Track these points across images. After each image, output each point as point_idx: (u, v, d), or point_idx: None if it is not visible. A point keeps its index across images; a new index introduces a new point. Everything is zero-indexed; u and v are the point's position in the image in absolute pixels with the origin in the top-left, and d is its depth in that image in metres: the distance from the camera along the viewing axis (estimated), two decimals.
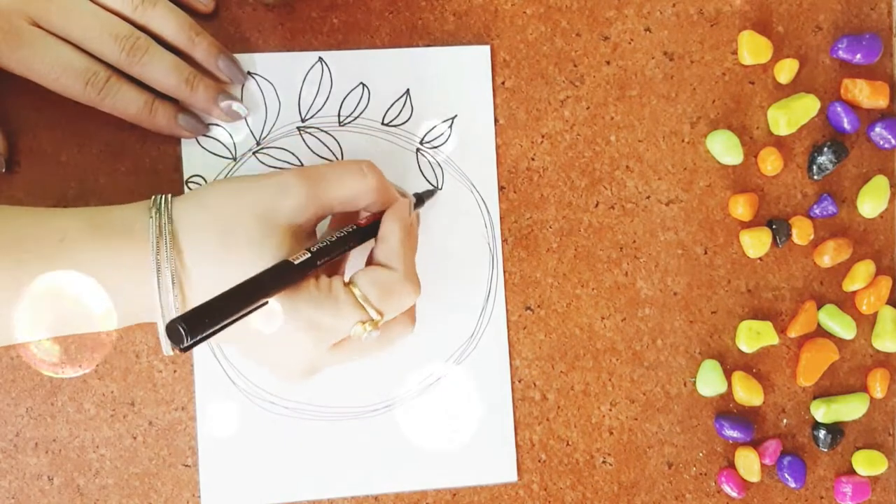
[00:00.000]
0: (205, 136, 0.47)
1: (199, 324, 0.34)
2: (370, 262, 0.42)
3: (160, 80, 0.44)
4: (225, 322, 0.35)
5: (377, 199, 0.42)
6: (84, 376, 0.47)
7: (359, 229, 0.42)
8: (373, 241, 0.43)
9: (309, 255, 0.39)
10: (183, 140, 0.47)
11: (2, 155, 0.45)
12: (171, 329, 0.33)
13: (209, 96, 0.46)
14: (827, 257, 0.52)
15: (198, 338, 0.34)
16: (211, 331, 0.34)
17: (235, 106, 0.46)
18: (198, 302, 0.35)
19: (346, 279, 0.40)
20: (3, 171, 0.46)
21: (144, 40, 0.43)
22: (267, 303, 0.37)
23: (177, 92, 0.45)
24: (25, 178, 0.47)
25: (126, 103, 0.44)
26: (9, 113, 0.46)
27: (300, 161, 0.48)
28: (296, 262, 0.38)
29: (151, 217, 0.39)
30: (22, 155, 0.47)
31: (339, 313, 0.39)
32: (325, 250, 0.40)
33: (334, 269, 0.44)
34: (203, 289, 0.38)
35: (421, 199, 0.47)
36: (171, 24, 0.44)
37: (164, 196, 0.40)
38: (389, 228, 0.42)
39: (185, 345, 0.34)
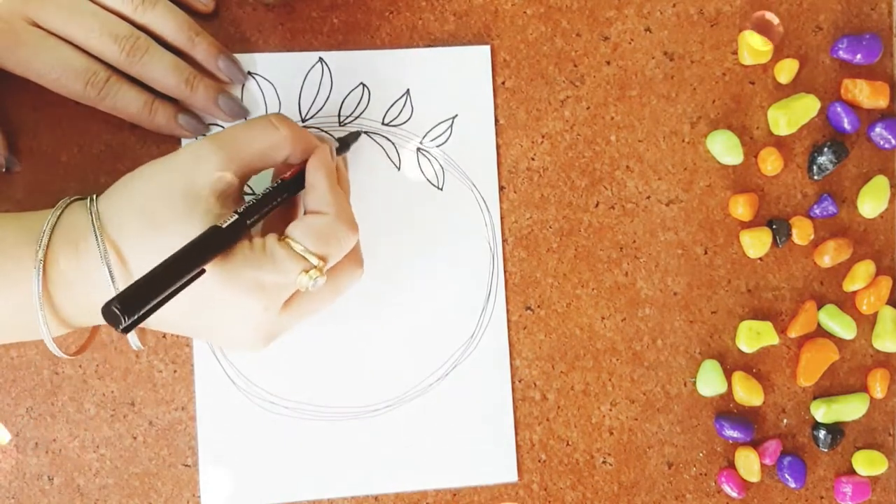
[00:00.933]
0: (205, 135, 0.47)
1: (133, 303, 0.34)
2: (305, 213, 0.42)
3: (160, 80, 0.44)
4: (161, 297, 0.35)
5: (294, 148, 0.41)
6: (84, 376, 0.47)
7: (284, 182, 0.42)
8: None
9: (237, 216, 0.38)
10: (183, 140, 0.47)
11: (1, 154, 0.45)
12: (107, 311, 0.33)
13: (209, 96, 0.46)
14: (827, 257, 0.52)
15: (135, 317, 0.34)
16: (147, 308, 0.34)
17: (234, 106, 0.46)
18: None
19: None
20: (3, 170, 0.46)
21: (144, 40, 0.43)
22: (203, 272, 0.37)
23: (176, 92, 0.45)
24: (25, 178, 0.47)
25: (126, 103, 0.44)
26: (9, 113, 0.46)
27: None
28: (224, 226, 0.38)
29: (47, 220, 0.39)
30: (22, 155, 0.47)
31: (279, 267, 0.38)
32: (252, 209, 0.39)
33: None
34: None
35: (346, 142, 0.47)
36: (170, 24, 0.44)
37: (90, 196, 0.40)
38: (313, 175, 0.41)
39: (124, 325, 0.34)
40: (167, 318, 0.39)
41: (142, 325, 0.38)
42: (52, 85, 0.43)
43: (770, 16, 0.47)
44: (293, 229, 0.39)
